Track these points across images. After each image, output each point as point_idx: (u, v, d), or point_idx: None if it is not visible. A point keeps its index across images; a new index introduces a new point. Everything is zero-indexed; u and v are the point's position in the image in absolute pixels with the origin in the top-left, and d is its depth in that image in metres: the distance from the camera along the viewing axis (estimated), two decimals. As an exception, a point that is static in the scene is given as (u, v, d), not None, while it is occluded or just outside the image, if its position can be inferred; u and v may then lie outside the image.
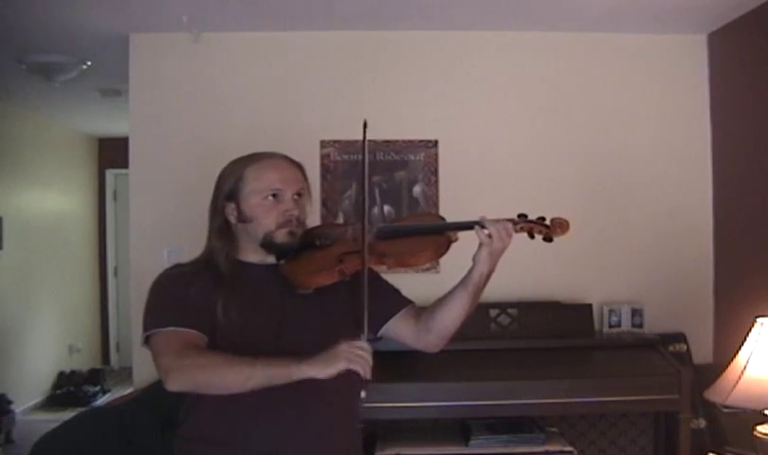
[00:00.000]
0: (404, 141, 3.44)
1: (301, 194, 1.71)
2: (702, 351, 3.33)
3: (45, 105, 5.21)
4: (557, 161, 3.44)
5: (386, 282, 1.80)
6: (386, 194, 3.42)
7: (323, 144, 3.41)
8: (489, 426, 2.90)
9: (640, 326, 3.29)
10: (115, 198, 6.79)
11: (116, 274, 6.75)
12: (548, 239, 1.59)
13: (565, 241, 1.63)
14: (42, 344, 5.60)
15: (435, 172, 3.44)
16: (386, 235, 1.69)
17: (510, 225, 1.58)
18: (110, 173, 6.75)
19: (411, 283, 2.01)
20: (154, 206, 3.41)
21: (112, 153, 6.51)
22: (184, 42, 3.36)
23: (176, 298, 1.62)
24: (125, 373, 5.73)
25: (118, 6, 3.06)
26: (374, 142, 3.42)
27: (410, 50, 3.47)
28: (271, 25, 3.36)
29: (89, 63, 3.85)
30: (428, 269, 3.15)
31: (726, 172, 3.39)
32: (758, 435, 2.35)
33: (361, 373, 1.41)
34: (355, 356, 1.41)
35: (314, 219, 1.79)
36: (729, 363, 2.47)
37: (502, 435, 2.84)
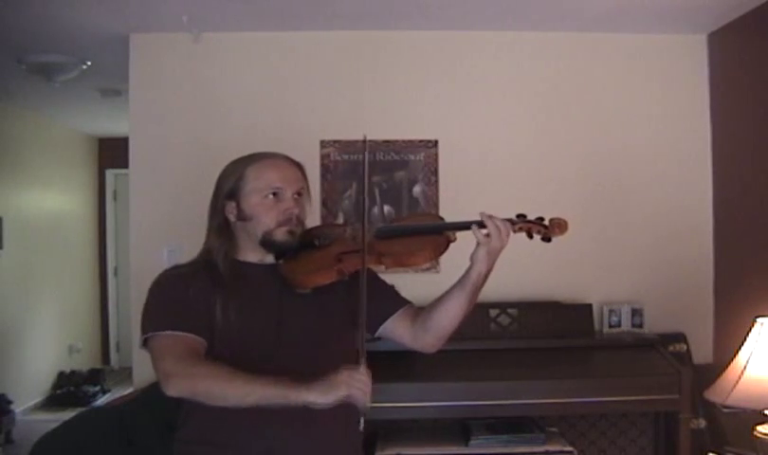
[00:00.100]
0: (404, 141, 3.44)
1: (301, 194, 1.72)
2: (702, 351, 3.33)
3: (46, 105, 5.21)
4: (557, 161, 3.44)
5: (383, 282, 1.80)
6: (386, 194, 3.42)
7: (323, 144, 3.41)
8: (489, 426, 2.90)
9: (640, 326, 3.29)
10: (115, 198, 6.79)
11: (116, 274, 6.75)
12: (546, 239, 1.60)
13: (565, 241, 1.63)
14: (42, 344, 5.60)
15: (435, 173, 3.44)
16: (385, 235, 1.69)
17: (509, 224, 1.58)
18: (110, 173, 6.75)
19: (410, 283, 2.01)
20: (154, 206, 3.41)
21: (112, 153, 6.51)
22: (184, 42, 3.36)
23: (175, 300, 1.62)
24: (125, 373, 5.73)
25: (118, 6, 3.06)
26: (374, 142, 3.42)
27: (410, 50, 3.47)
28: (271, 25, 3.36)
29: (89, 63, 3.85)
30: (427, 269, 3.14)
31: (726, 173, 3.39)
32: (758, 435, 2.35)
33: (360, 403, 1.41)
34: (354, 386, 1.41)
35: (314, 219, 1.79)
36: (729, 363, 2.47)
37: (502, 435, 2.84)
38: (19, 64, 3.81)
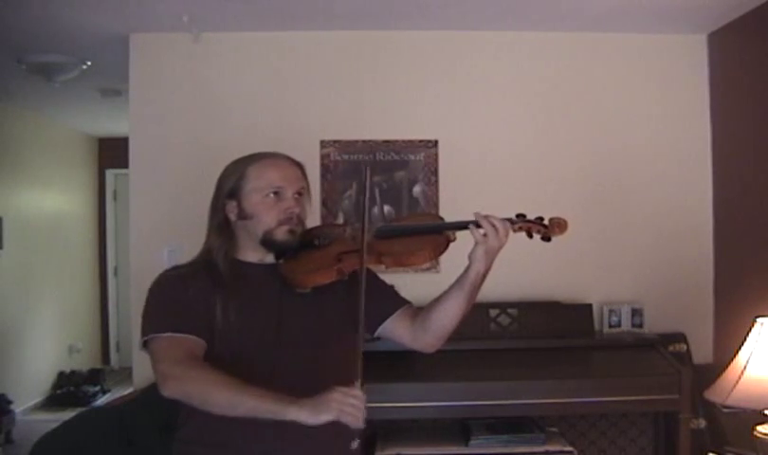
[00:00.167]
0: (404, 141, 3.44)
1: (302, 193, 1.72)
2: (702, 351, 3.33)
3: (45, 105, 5.21)
4: (557, 161, 3.44)
5: (383, 282, 1.80)
6: (386, 194, 3.42)
7: (323, 144, 3.41)
8: (489, 426, 2.90)
9: (640, 326, 3.29)
10: (115, 198, 6.79)
11: (116, 274, 6.75)
12: (546, 239, 1.60)
13: (565, 241, 1.63)
14: (42, 344, 5.60)
15: (435, 173, 3.44)
16: (384, 235, 1.69)
17: (508, 224, 1.58)
18: (110, 173, 6.75)
19: (410, 283, 2.01)
20: (154, 206, 3.41)
21: (112, 153, 6.51)
22: (184, 42, 3.36)
23: (175, 301, 1.62)
24: (125, 373, 5.73)
25: (118, 6, 3.06)
26: (374, 142, 3.43)
27: (410, 50, 3.47)
28: (271, 25, 3.36)
29: (89, 63, 3.85)
30: (427, 269, 3.14)
31: (726, 173, 3.39)
32: (758, 435, 2.35)
33: (351, 424, 1.38)
34: (346, 407, 1.38)
35: (314, 219, 1.79)
36: (729, 363, 2.47)
37: (502, 435, 2.84)
38: (19, 64, 3.81)
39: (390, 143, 3.43)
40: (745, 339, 2.46)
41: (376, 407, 2.73)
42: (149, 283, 1.69)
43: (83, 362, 6.14)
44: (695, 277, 3.43)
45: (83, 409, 3.97)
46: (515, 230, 1.59)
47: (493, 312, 3.17)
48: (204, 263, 1.69)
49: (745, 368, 2.37)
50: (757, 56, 3.08)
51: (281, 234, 1.66)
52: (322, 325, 1.65)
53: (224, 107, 3.42)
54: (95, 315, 6.65)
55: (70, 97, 4.78)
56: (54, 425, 1.78)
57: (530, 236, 1.61)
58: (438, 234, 1.64)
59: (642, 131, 3.47)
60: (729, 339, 2.93)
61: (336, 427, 1.41)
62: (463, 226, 1.60)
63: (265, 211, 1.66)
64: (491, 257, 1.59)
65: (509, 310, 3.19)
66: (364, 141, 3.43)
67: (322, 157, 3.40)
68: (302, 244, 1.69)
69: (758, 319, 2.45)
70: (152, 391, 1.77)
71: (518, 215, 1.61)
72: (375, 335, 1.77)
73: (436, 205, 3.42)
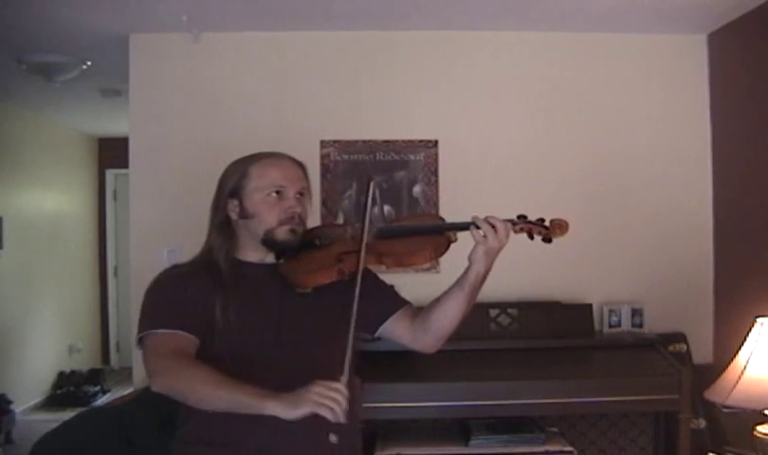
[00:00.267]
0: (404, 141, 3.44)
1: (303, 193, 1.72)
2: (702, 351, 3.33)
3: (45, 105, 5.21)
4: (557, 161, 3.44)
5: (383, 283, 1.80)
6: (386, 194, 3.41)
7: (323, 144, 3.41)
8: (489, 426, 2.90)
9: (640, 326, 3.29)
10: (115, 198, 6.78)
11: (116, 274, 6.74)
12: (547, 240, 1.60)
13: (565, 241, 1.63)
14: (42, 344, 5.60)
15: (435, 173, 3.44)
16: (385, 235, 1.69)
17: (509, 225, 1.58)
18: (110, 173, 6.75)
19: (410, 283, 2.02)
20: (154, 206, 3.41)
21: (112, 153, 6.50)
22: (184, 42, 3.36)
23: (172, 300, 1.62)
24: (125, 373, 5.73)
25: (118, 6, 3.06)
26: (374, 142, 3.43)
27: (409, 50, 3.47)
28: (271, 25, 3.36)
29: (89, 63, 3.85)
30: (427, 269, 3.14)
31: (726, 172, 3.39)
32: (758, 435, 2.35)
33: (329, 418, 1.37)
34: (324, 400, 1.37)
35: (314, 219, 1.80)
36: (729, 363, 2.47)
37: (502, 435, 2.84)
38: (19, 64, 3.81)
39: (390, 143, 3.43)
40: (745, 339, 2.45)
41: (376, 407, 2.75)
42: (149, 283, 1.69)
43: (83, 362, 6.13)
44: (695, 277, 3.43)
45: (83, 409, 3.97)
46: (516, 231, 1.59)
47: (493, 312, 3.17)
48: (204, 263, 1.69)
49: (745, 368, 2.37)
50: (757, 56, 3.08)
51: (282, 234, 1.66)
52: (323, 325, 1.65)
53: (224, 107, 3.42)
54: (95, 315, 6.65)
55: (70, 97, 4.78)
56: (54, 425, 1.77)
57: (531, 237, 1.61)
58: (439, 235, 1.64)
59: (642, 131, 3.47)
60: (729, 339, 2.93)
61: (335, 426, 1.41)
62: (463, 226, 1.60)
63: (266, 211, 1.66)
64: (491, 258, 1.59)
65: (509, 310, 3.19)
66: (364, 141, 3.43)
67: (322, 157, 3.40)
68: (303, 243, 1.69)
69: (758, 319, 2.45)
70: (152, 391, 1.77)
71: (519, 216, 1.61)
72: (376, 335, 1.77)
73: (436, 205, 3.42)
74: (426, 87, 3.46)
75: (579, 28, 3.42)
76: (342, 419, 1.37)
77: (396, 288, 1.85)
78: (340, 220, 3.37)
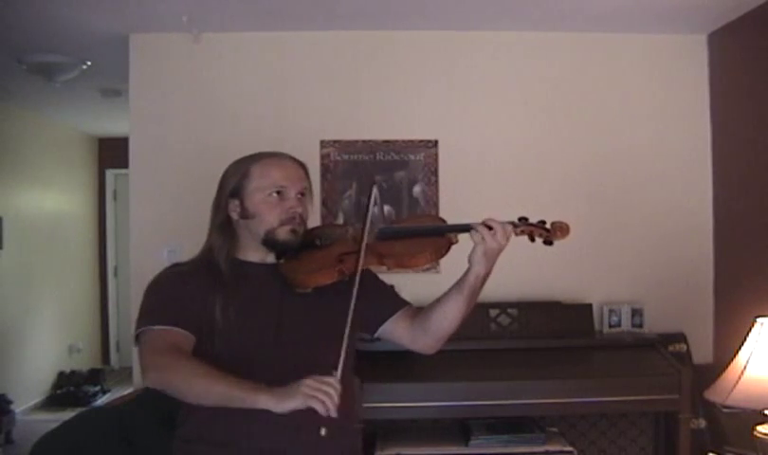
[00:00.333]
0: (404, 141, 3.44)
1: (304, 194, 1.72)
2: (702, 351, 3.33)
3: (45, 105, 5.21)
4: (556, 161, 3.44)
5: (383, 283, 1.80)
6: (386, 194, 3.41)
7: (323, 144, 3.41)
8: (489, 426, 2.90)
9: (640, 326, 3.29)
10: (115, 198, 6.78)
11: (116, 274, 6.74)
12: (548, 243, 1.59)
13: (565, 241, 1.63)
14: (42, 344, 5.60)
15: (435, 173, 3.44)
16: (386, 236, 1.69)
17: (510, 227, 1.58)
18: (110, 173, 6.75)
19: (410, 283, 2.02)
20: (154, 206, 3.41)
21: (112, 153, 6.50)
22: (184, 42, 3.36)
23: (170, 297, 1.63)
24: (125, 373, 5.73)
25: (118, 6, 3.06)
26: (374, 142, 3.43)
27: (409, 50, 3.47)
28: (271, 25, 3.36)
29: (89, 63, 3.85)
30: (428, 269, 3.14)
31: (726, 172, 3.39)
32: (758, 435, 2.35)
33: (320, 411, 1.37)
34: (316, 393, 1.37)
35: (314, 219, 1.79)
36: (729, 363, 2.47)
37: (502, 435, 2.84)
38: (19, 64, 3.81)
39: (390, 143, 3.43)
40: (745, 339, 2.45)
41: (376, 407, 2.75)
42: (149, 281, 1.69)
43: (83, 362, 6.13)
44: (695, 277, 3.43)
45: (83, 409, 3.97)
46: (517, 234, 1.59)
47: (493, 312, 3.17)
48: (205, 262, 1.69)
49: (745, 368, 2.37)
50: (757, 56, 3.08)
51: (283, 234, 1.66)
52: (323, 326, 1.65)
53: (224, 107, 3.42)
54: (95, 315, 6.65)
55: (70, 97, 4.78)
56: (54, 425, 1.77)
57: (532, 240, 1.61)
58: (440, 236, 1.64)
59: (642, 131, 3.47)
60: (729, 339, 2.93)
61: (338, 414, 1.41)
62: (464, 228, 1.60)
63: (267, 211, 1.66)
64: (491, 260, 1.58)
65: (509, 310, 3.19)
66: (364, 141, 3.43)
67: (322, 157, 3.40)
68: (304, 244, 1.69)
69: (758, 319, 2.45)
70: (152, 391, 1.77)
71: (520, 218, 1.61)
72: (376, 335, 1.77)
73: (436, 205, 3.42)
74: (426, 87, 3.46)
75: (579, 28, 3.42)
76: (334, 413, 1.37)
77: (396, 288, 1.86)
78: (340, 220, 3.37)
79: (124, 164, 3.53)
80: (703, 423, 3.03)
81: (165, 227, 3.35)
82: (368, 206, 1.61)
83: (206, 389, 1.45)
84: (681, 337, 3.26)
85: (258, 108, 3.42)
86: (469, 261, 1.59)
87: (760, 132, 3.05)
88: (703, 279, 3.44)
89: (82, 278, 6.44)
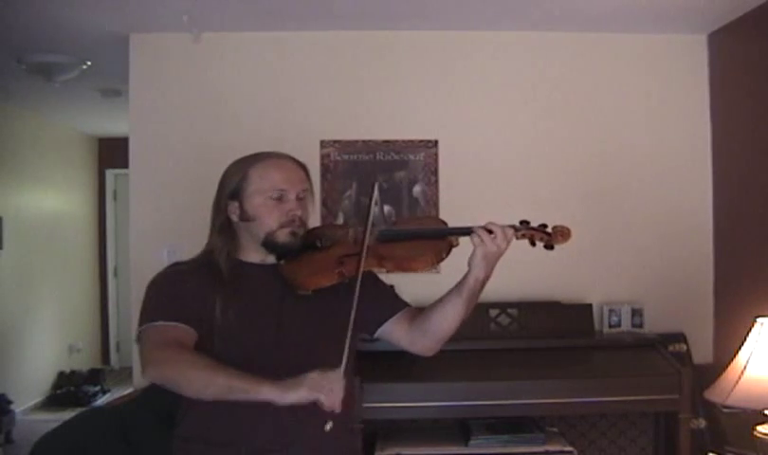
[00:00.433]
0: (404, 141, 3.44)
1: (305, 195, 1.71)
2: (702, 351, 3.33)
3: (45, 105, 5.21)
4: (557, 161, 3.44)
5: (383, 284, 1.80)
6: (386, 194, 3.41)
7: (323, 144, 3.41)
8: (489, 426, 2.90)
9: (640, 326, 3.29)
10: (115, 198, 6.79)
11: (116, 274, 6.75)
12: (549, 247, 1.59)
13: (566, 243, 1.63)
14: (42, 344, 5.60)
15: (435, 173, 3.44)
16: (387, 238, 1.68)
17: (510, 231, 1.58)
18: (110, 173, 6.75)
19: (410, 283, 2.02)
20: (154, 206, 3.41)
21: (112, 153, 6.51)
22: (184, 42, 3.35)
23: (171, 295, 1.63)
24: (125, 373, 5.73)
25: (118, 6, 3.06)
26: (374, 142, 3.43)
27: (410, 50, 3.47)
28: (271, 25, 3.36)
29: (89, 63, 3.85)
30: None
31: (726, 173, 3.39)
32: (758, 435, 2.35)
33: (324, 404, 1.38)
34: (321, 387, 1.38)
35: (314, 219, 1.79)
36: (729, 363, 2.47)
37: (502, 435, 2.84)
38: (19, 64, 3.81)
39: (390, 143, 3.43)
40: (745, 339, 2.45)
41: (376, 407, 2.75)
42: (150, 280, 1.69)
43: (83, 362, 6.13)
44: (695, 277, 3.43)
45: (83, 409, 3.97)
46: (518, 237, 1.59)
47: (493, 312, 3.17)
48: (205, 262, 1.69)
49: (745, 368, 2.37)
50: (757, 56, 3.08)
51: (282, 236, 1.66)
52: (323, 327, 1.65)
53: (224, 107, 3.42)
54: (95, 315, 6.65)
55: (70, 97, 4.78)
56: (54, 425, 1.78)
57: (533, 244, 1.61)
58: (440, 239, 1.64)
59: (642, 131, 3.47)
60: (729, 339, 2.93)
61: (337, 414, 1.41)
62: (465, 231, 1.60)
63: (266, 214, 1.65)
64: (491, 263, 1.58)
65: (509, 310, 3.19)
66: (364, 141, 3.43)
67: (322, 157, 3.40)
68: (305, 245, 1.68)
69: (758, 319, 2.45)
70: (151, 390, 1.77)
71: (521, 222, 1.61)
72: (375, 336, 1.77)
73: (436, 205, 3.42)
74: (426, 87, 3.46)
75: (579, 28, 3.42)
76: (338, 408, 1.38)
77: (396, 289, 1.85)
78: (340, 220, 3.37)
79: (124, 164, 3.53)
80: (703, 423, 3.02)
81: (165, 227, 3.35)
82: (369, 206, 1.61)
83: (207, 381, 1.45)
84: (681, 337, 3.26)
85: (258, 108, 3.42)
86: (469, 264, 1.59)
87: (760, 132, 3.05)
88: (703, 279, 3.44)
89: (82, 278, 6.44)
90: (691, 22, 3.32)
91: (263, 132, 3.29)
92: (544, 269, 3.24)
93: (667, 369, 2.91)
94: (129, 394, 2.52)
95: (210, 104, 3.42)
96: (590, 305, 3.26)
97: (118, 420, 1.84)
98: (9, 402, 4.67)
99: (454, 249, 1.62)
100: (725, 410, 2.47)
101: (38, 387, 5.58)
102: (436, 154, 3.44)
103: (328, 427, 1.40)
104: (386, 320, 1.74)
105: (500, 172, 3.43)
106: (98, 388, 5.75)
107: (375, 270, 1.70)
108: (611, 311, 3.31)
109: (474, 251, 1.58)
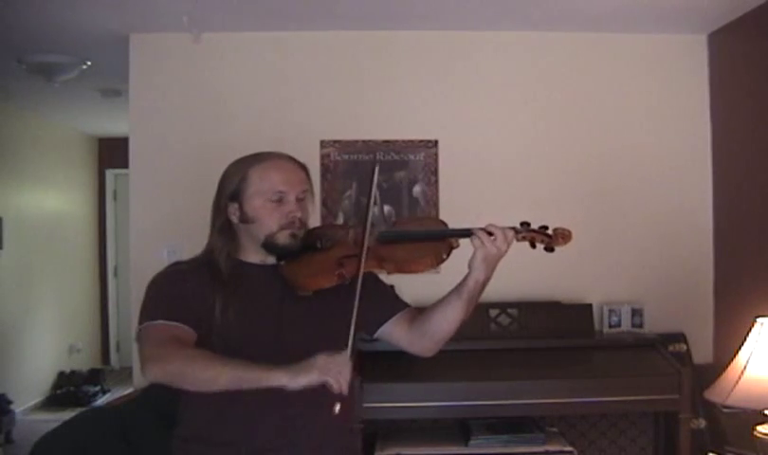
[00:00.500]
0: (404, 141, 3.44)
1: (305, 196, 1.71)
2: (702, 351, 3.33)
3: (45, 105, 5.21)
4: (556, 161, 3.44)
5: (384, 284, 1.80)
6: (386, 194, 3.42)
7: (323, 144, 3.41)
8: (489, 426, 2.90)
9: (640, 326, 3.29)
10: (115, 198, 6.79)
11: (116, 274, 6.75)
12: (550, 249, 1.59)
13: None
14: (42, 344, 5.60)
15: (435, 173, 3.44)
16: (387, 240, 1.68)
17: (511, 233, 1.57)
18: (110, 173, 6.75)
19: (410, 283, 2.01)
20: (154, 206, 3.41)
21: (112, 153, 6.51)
22: (184, 42, 3.35)
23: (170, 294, 1.63)
24: (125, 373, 5.73)
25: (118, 6, 3.06)
26: (374, 142, 3.43)
27: (410, 50, 3.47)
28: (271, 25, 3.36)
29: (89, 63, 3.85)
30: (428, 269, 3.14)
31: (726, 173, 3.39)
32: (758, 435, 2.34)
33: (334, 387, 1.39)
34: (329, 370, 1.39)
35: (314, 219, 1.79)
36: (729, 363, 2.47)
37: (502, 435, 2.84)
38: (19, 64, 3.81)
39: (390, 143, 3.43)
40: (745, 339, 2.45)
41: (376, 407, 2.75)
42: (150, 279, 1.69)
43: (83, 362, 6.13)
44: (695, 277, 3.43)
45: (83, 409, 3.97)
46: (518, 240, 1.59)
47: (493, 312, 3.17)
48: (206, 262, 1.69)
49: (745, 368, 2.37)
50: (757, 56, 3.08)
51: (282, 238, 1.65)
52: (323, 328, 1.65)
53: (224, 107, 3.42)
54: (95, 315, 6.65)
55: (70, 97, 4.78)
56: (54, 425, 1.77)
57: (533, 246, 1.61)
58: (440, 241, 1.63)
59: (642, 131, 3.47)
60: (729, 339, 2.93)
61: (336, 414, 1.41)
62: (465, 233, 1.60)
63: (266, 215, 1.65)
64: (491, 265, 1.58)
65: (509, 310, 3.19)
66: (364, 141, 3.43)
67: (322, 157, 3.40)
68: (305, 245, 1.68)
69: (758, 319, 2.45)
70: (151, 390, 1.77)
71: (522, 224, 1.61)
72: (375, 336, 1.77)
73: (436, 205, 3.42)
74: (426, 87, 3.46)
75: (579, 28, 3.42)
76: (345, 390, 1.39)
77: (396, 289, 1.85)
78: (340, 220, 3.37)
79: (124, 164, 3.53)
80: (703, 423, 3.02)
81: (165, 227, 3.35)
82: (370, 187, 1.61)
83: (216, 372, 1.45)
84: (681, 337, 3.26)
85: (258, 108, 3.42)
86: (469, 266, 1.59)
87: (760, 132, 3.05)
88: (703, 279, 3.44)
89: (82, 278, 6.44)
90: (691, 22, 3.32)
91: (263, 132, 3.29)
92: (544, 269, 3.23)
93: (667, 369, 2.91)
94: (129, 394, 2.52)
95: (211, 104, 3.42)
96: (590, 305, 3.26)
97: (118, 420, 1.84)
98: (9, 402, 4.67)
99: (454, 250, 1.62)
100: (725, 410, 2.47)
101: (38, 387, 5.58)
102: (436, 154, 3.44)
103: (337, 408, 1.40)
104: (386, 321, 1.74)
105: (499, 171, 3.43)
106: (98, 388, 5.75)
107: (375, 271, 1.69)
108: (611, 311, 3.31)
109: (474, 253, 1.57)
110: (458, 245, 1.63)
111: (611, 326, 3.30)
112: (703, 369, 3.11)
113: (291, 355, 1.60)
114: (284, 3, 3.09)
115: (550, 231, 1.60)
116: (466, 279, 1.60)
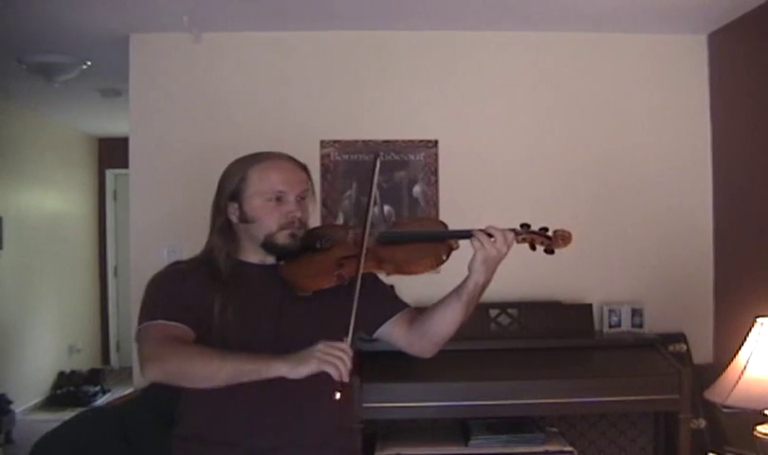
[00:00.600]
0: (404, 141, 3.44)
1: (305, 196, 1.71)
2: (702, 351, 3.33)
3: (45, 105, 5.21)
4: (556, 161, 3.44)
5: (383, 285, 1.80)
6: (386, 194, 3.41)
7: (323, 144, 3.41)
8: (489, 426, 2.90)
9: (640, 326, 3.29)
10: (115, 198, 6.79)
11: (116, 274, 6.75)
12: (549, 251, 1.59)
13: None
14: (42, 344, 5.60)
15: (435, 173, 3.44)
16: (387, 241, 1.68)
17: (511, 235, 1.57)
18: (110, 173, 6.75)
19: (410, 283, 2.01)
20: (154, 206, 3.41)
21: (112, 153, 6.51)
22: (184, 42, 3.35)
23: (170, 293, 1.63)
24: (125, 373, 5.73)
25: (118, 6, 3.06)
26: (374, 142, 3.43)
27: (410, 50, 3.47)
28: (271, 25, 3.36)
29: (89, 63, 3.85)
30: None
31: (726, 173, 3.39)
32: (758, 435, 2.34)
33: (334, 375, 1.38)
34: (329, 358, 1.39)
35: (314, 219, 1.79)
36: (729, 363, 2.47)
37: (502, 435, 2.84)
38: (19, 64, 3.81)
39: (390, 143, 3.43)
40: (745, 339, 2.45)
41: (376, 407, 2.75)
42: (149, 279, 1.69)
43: (83, 362, 6.13)
44: (695, 277, 3.43)
45: (83, 409, 3.97)
46: (518, 241, 1.59)
47: (493, 312, 3.17)
48: (205, 261, 1.69)
49: (745, 368, 2.37)
50: (757, 56, 3.08)
51: (282, 238, 1.66)
52: (322, 328, 1.64)
53: (224, 107, 3.42)
54: (95, 315, 6.65)
55: (70, 97, 4.78)
56: (54, 425, 1.77)
57: (533, 248, 1.61)
58: (440, 243, 1.63)
59: (642, 131, 3.47)
60: (729, 339, 2.93)
61: (335, 414, 1.41)
62: (465, 234, 1.59)
63: (266, 215, 1.65)
64: (491, 268, 1.58)
65: (509, 310, 3.19)
66: (364, 141, 3.43)
67: (322, 157, 3.40)
68: (304, 246, 1.68)
69: (758, 319, 2.45)
70: (151, 390, 1.77)
71: (522, 225, 1.60)
72: (374, 336, 1.77)
73: (436, 205, 3.42)
74: (426, 87, 3.46)
75: (579, 28, 3.42)
76: (346, 378, 1.39)
77: (396, 289, 1.85)
78: (340, 220, 3.37)
79: (124, 164, 3.53)
80: (703, 423, 3.02)
81: (165, 227, 3.35)
82: (372, 179, 1.61)
83: (216, 367, 1.45)
84: (681, 337, 3.26)
85: (258, 108, 3.42)
86: (469, 268, 1.59)
87: (760, 132, 3.05)
88: (703, 279, 3.44)
89: (82, 278, 6.44)
90: (691, 22, 3.32)
91: (263, 132, 3.29)
92: (544, 269, 3.23)
93: (667, 369, 2.91)
94: (129, 394, 2.52)
95: (211, 104, 3.42)
96: (590, 305, 3.26)
97: (118, 420, 1.84)
98: (9, 402, 4.67)
99: (455, 252, 1.62)
100: (725, 410, 2.47)
101: (38, 387, 5.58)
102: (436, 154, 3.44)
103: (338, 395, 1.41)
104: (385, 321, 1.74)
105: (500, 172, 3.43)
106: (98, 388, 5.75)
107: (374, 272, 1.69)
108: (611, 311, 3.31)
109: (474, 255, 1.57)
110: (458, 247, 1.62)
111: (611, 326, 3.30)
112: (703, 369, 3.11)
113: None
114: (284, 3, 3.09)
115: (550, 233, 1.59)
116: (465, 281, 1.60)
